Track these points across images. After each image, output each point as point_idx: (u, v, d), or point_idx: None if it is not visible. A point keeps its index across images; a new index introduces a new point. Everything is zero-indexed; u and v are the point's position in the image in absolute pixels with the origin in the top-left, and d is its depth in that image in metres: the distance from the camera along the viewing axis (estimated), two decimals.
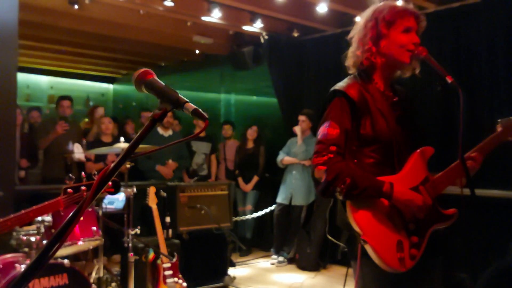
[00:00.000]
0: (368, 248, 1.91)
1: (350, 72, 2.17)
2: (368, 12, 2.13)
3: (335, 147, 1.95)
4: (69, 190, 2.08)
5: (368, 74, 2.11)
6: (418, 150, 2.05)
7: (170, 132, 6.16)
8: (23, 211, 2.12)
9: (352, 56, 2.14)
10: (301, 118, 6.02)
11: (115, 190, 2.00)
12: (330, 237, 2.09)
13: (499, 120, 2.12)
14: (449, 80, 1.87)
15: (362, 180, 1.91)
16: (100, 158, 5.80)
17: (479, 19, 4.85)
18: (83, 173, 2.36)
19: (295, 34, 6.40)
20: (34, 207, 2.13)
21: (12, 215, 2.12)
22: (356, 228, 1.93)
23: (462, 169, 1.96)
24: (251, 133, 6.74)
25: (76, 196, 2.07)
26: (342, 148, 1.98)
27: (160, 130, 6.04)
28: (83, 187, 2.09)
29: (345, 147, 1.99)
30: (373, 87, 2.10)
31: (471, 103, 4.65)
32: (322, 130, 2.02)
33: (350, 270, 2.15)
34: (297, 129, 6.03)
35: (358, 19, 2.24)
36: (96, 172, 2.28)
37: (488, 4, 4.79)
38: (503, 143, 2.11)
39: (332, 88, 2.10)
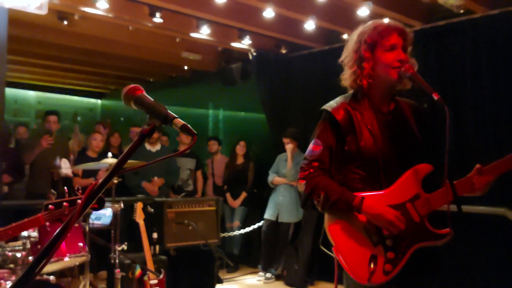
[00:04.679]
0: (340, 259, 2.00)
1: (349, 92, 2.23)
2: (354, 35, 2.17)
3: (317, 163, 2.08)
4: (50, 206, 2.02)
5: (362, 93, 2.16)
6: (413, 168, 2.04)
7: (158, 147, 6.15)
8: (1, 229, 2.04)
9: (343, 79, 2.20)
10: (285, 140, 5.97)
11: (99, 206, 1.95)
12: (323, 248, 2.15)
13: None
14: (435, 97, 1.89)
15: (334, 193, 2.00)
16: (88, 173, 5.77)
17: (464, 37, 4.94)
18: (66, 188, 2.30)
19: (283, 51, 6.46)
20: (13, 224, 2.05)
21: None
22: (330, 240, 2.04)
23: (470, 185, 1.99)
24: (240, 148, 6.73)
25: (57, 212, 1.99)
26: (325, 164, 2.08)
27: (147, 145, 6.03)
28: (65, 203, 2.01)
29: (330, 163, 2.09)
30: (365, 105, 2.13)
31: (457, 120, 4.71)
32: (308, 148, 2.15)
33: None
34: (288, 149, 6.00)
35: (345, 36, 2.30)
36: (79, 188, 2.24)
37: (473, 22, 4.88)
38: None
39: (322, 107, 2.19)
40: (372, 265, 1.96)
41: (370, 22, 2.15)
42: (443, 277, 4.44)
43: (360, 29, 2.15)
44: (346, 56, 2.18)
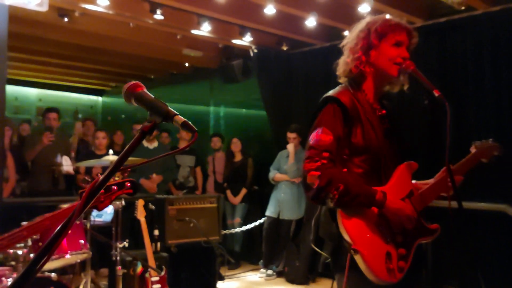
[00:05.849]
0: (358, 259, 1.89)
1: (340, 81, 2.19)
2: (362, 23, 2.16)
3: (328, 153, 1.94)
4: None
5: (357, 83, 2.13)
6: (404, 164, 2.06)
7: (155, 144, 6.15)
8: (37, 219, 2.01)
9: (342, 64, 2.16)
10: (292, 135, 5.99)
11: (133, 192, 1.96)
12: (314, 247, 2.09)
13: (473, 142, 2.19)
14: (436, 94, 1.89)
15: (355, 187, 1.90)
16: (91, 170, 5.78)
17: (466, 33, 4.93)
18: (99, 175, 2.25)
19: (284, 48, 6.45)
20: (48, 214, 2.01)
21: (26, 224, 2.02)
22: (347, 237, 1.91)
23: (447, 184, 1.98)
24: (235, 145, 6.74)
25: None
26: (334, 155, 1.97)
27: (144, 142, 6.00)
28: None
29: (336, 154, 1.98)
30: (363, 98, 2.11)
31: (458, 117, 4.71)
32: (314, 136, 2.00)
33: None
34: (289, 147, 6.01)
35: (346, 33, 2.28)
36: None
37: (475, 19, 4.87)
38: (478, 164, 2.17)
39: (325, 95, 2.10)
40: (389, 262, 1.92)
41: (382, 15, 2.15)
42: (444, 273, 4.45)
43: (368, 18, 2.14)
44: (350, 42, 2.15)
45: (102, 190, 1.96)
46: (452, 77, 4.99)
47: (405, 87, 2.15)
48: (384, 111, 2.17)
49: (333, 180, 1.89)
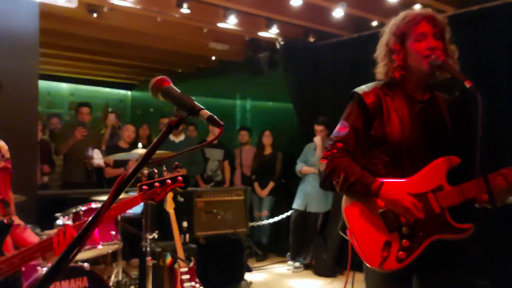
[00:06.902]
0: (354, 243, 2.00)
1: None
2: (386, 27, 2.16)
3: (342, 144, 2.07)
4: (144, 186, 2.13)
5: (395, 84, 2.13)
6: (441, 158, 2.00)
7: (181, 138, 6.19)
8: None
9: (377, 72, 2.18)
10: (319, 128, 5.96)
11: (185, 185, 2.11)
12: (341, 233, 2.13)
13: None
14: (467, 85, 1.84)
15: (354, 175, 1.99)
16: (119, 163, 5.88)
17: (499, 22, 4.80)
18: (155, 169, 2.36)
19: (311, 39, 6.41)
20: (114, 205, 2.12)
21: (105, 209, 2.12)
22: (345, 222, 2.05)
23: (483, 184, 1.90)
24: (266, 138, 6.74)
25: (150, 192, 2.10)
26: (350, 146, 2.08)
27: (170, 136, 6.04)
28: (156, 184, 2.11)
29: (354, 146, 2.08)
30: (398, 93, 2.10)
31: (491, 108, 4.59)
32: (335, 129, 2.14)
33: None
34: (317, 140, 5.98)
35: (374, 23, 2.27)
36: (172, 167, 2.35)
37: (508, 6, 4.74)
38: None
39: (353, 90, 2.18)
40: (385, 251, 1.94)
41: (401, 13, 2.13)
42: (475, 268, 4.37)
43: (392, 21, 2.14)
44: (379, 49, 2.17)
45: (158, 184, 2.09)
46: (485, 68, 4.86)
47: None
48: (423, 105, 2.11)
49: (336, 168, 2.03)
